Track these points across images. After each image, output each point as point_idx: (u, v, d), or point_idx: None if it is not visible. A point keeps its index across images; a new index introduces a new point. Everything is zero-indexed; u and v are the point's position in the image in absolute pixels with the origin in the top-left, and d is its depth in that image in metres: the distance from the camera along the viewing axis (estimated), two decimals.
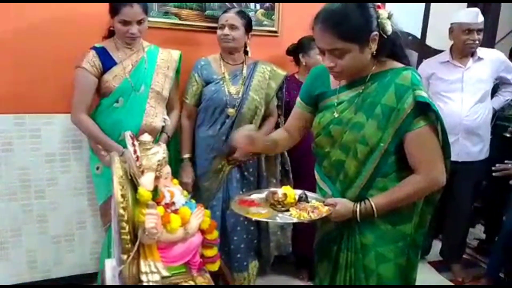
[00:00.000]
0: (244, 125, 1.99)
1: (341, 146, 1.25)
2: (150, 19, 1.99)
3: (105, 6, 1.77)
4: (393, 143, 1.19)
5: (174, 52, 1.99)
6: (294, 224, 2.23)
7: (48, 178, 2.10)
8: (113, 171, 1.00)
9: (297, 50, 2.29)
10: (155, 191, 1.02)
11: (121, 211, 0.94)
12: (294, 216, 1.20)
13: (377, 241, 1.26)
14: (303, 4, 2.40)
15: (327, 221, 1.28)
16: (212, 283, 1.10)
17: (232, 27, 1.93)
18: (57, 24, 1.98)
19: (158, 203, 1.02)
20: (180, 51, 2.01)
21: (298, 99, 1.42)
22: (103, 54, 1.80)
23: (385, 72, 1.21)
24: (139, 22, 1.77)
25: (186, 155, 2.04)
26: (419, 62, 3.00)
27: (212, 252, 1.12)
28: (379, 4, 1.18)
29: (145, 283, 0.98)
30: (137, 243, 0.96)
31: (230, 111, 1.97)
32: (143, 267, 0.99)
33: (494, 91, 2.58)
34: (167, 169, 1.10)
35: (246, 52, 2.10)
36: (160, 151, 1.07)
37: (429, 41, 3.16)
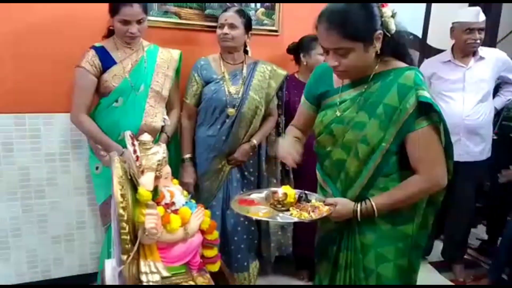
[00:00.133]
0: (244, 125, 2.00)
1: (343, 145, 1.25)
2: (150, 18, 1.99)
3: (105, 6, 1.77)
4: (395, 143, 1.18)
5: (174, 51, 1.99)
6: (294, 224, 2.25)
7: (48, 178, 2.10)
8: (113, 171, 1.00)
9: (298, 49, 2.28)
10: (155, 191, 1.01)
11: (121, 211, 0.93)
12: (294, 215, 1.20)
13: (377, 241, 1.25)
14: (303, 4, 2.40)
15: (327, 220, 1.27)
16: (213, 284, 1.09)
17: (232, 26, 1.92)
18: (57, 23, 1.98)
19: (158, 203, 1.01)
20: (180, 50, 2.01)
21: (303, 98, 1.43)
22: (102, 53, 1.80)
23: (388, 71, 1.21)
24: (139, 22, 1.77)
25: (187, 155, 2.04)
26: (420, 61, 2.99)
27: (212, 252, 1.12)
28: (383, 3, 1.17)
29: (145, 283, 0.97)
30: (137, 243, 0.95)
31: (230, 111, 1.96)
32: (143, 267, 0.98)
33: (496, 90, 2.57)
34: (167, 169, 1.09)
35: (246, 52, 2.10)
36: (160, 151, 1.06)
37: (430, 41, 3.16)
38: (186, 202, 1.08)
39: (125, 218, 0.94)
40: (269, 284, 2.36)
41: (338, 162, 1.27)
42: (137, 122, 1.84)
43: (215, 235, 1.12)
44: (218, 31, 1.96)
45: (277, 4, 2.39)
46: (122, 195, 0.95)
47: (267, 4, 2.38)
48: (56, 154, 2.10)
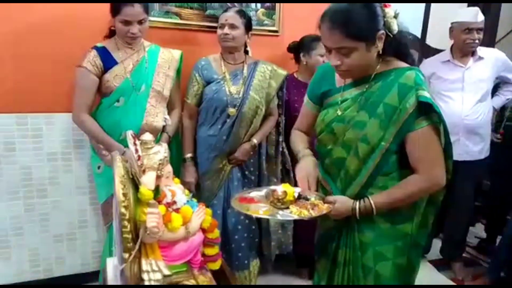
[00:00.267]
0: (245, 124, 2.01)
1: (343, 144, 1.26)
2: (151, 18, 2.00)
3: (106, 6, 1.77)
4: (395, 143, 1.19)
5: (175, 51, 2.00)
6: (295, 222, 2.26)
7: (50, 177, 2.11)
8: (115, 170, 1.00)
9: (298, 49, 2.29)
10: (157, 190, 1.02)
11: (123, 210, 0.94)
12: (294, 213, 1.20)
13: (376, 240, 1.26)
14: (303, 4, 2.41)
15: (327, 218, 1.28)
16: (214, 282, 1.10)
17: (232, 26, 1.93)
18: (58, 23, 1.98)
19: (159, 202, 1.02)
20: (181, 50, 2.01)
21: (306, 98, 1.43)
22: (104, 53, 1.81)
23: (389, 71, 1.21)
24: (140, 22, 1.77)
25: (188, 155, 2.05)
26: (419, 61, 2.99)
27: (213, 251, 1.12)
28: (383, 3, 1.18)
29: (146, 282, 0.98)
30: (139, 242, 0.96)
31: (231, 110, 1.97)
32: (145, 266, 0.99)
33: (494, 90, 2.58)
34: (169, 168, 1.10)
35: (246, 52, 2.11)
36: (161, 151, 1.07)
37: (429, 41, 3.16)
38: (188, 201, 1.09)
39: (127, 217, 0.94)
40: (269, 282, 2.36)
41: (338, 161, 1.28)
42: (138, 122, 1.85)
43: (216, 233, 1.12)
44: (219, 31, 1.97)
45: (277, 4, 2.39)
46: (124, 194, 0.95)
47: (268, 4, 2.38)
48: (58, 153, 2.11)
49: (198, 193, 2.05)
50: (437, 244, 2.73)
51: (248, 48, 2.12)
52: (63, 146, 2.12)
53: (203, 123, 2.03)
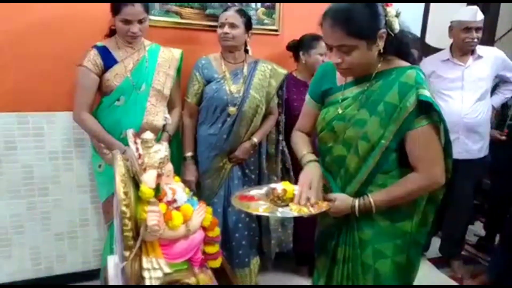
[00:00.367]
0: (245, 123, 2.02)
1: (343, 142, 1.26)
2: (151, 18, 2.00)
3: (106, 5, 1.78)
4: (395, 141, 1.19)
5: (175, 50, 2.00)
6: (295, 220, 2.27)
7: (51, 176, 2.12)
8: (115, 169, 1.01)
9: (298, 48, 2.29)
10: (157, 188, 1.02)
11: (124, 208, 0.94)
12: (294, 211, 1.20)
13: (375, 237, 1.26)
14: (303, 3, 2.41)
15: (326, 216, 1.29)
16: (214, 280, 1.10)
17: (232, 25, 1.94)
18: (59, 23, 1.99)
19: (160, 201, 1.02)
20: (181, 49, 2.02)
21: (308, 97, 1.43)
22: (104, 52, 1.81)
23: (390, 70, 1.22)
24: (140, 21, 1.78)
25: (189, 154, 2.05)
26: (419, 60, 2.99)
27: (213, 249, 1.13)
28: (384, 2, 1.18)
29: (147, 280, 0.98)
30: (139, 240, 0.96)
31: (231, 109, 1.98)
32: (145, 264, 0.99)
33: (493, 89, 2.58)
34: (169, 166, 1.10)
35: (246, 51, 2.11)
36: (162, 149, 1.07)
37: (429, 40, 3.16)
38: (188, 199, 1.09)
39: (128, 215, 0.95)
40: (269, 280, 2.37)
41: (339, 158, 1.29)
42: (139, 121, 1.86)
43: (216, 232, 1.13)
44: (219, 30, 1.97)
45: (277, 4, 2.39)
46: (125, 193, 0.96)
47: (268, 3, 2.38)
48: (59, 152, 2.12)
49: (199, 191, 2.06)
50: (436, 242, 2.74)
51: (248, 47, 2.12)
52: (64, 145, 2.12)
53: (203, 122, 2.04)
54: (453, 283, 2.48)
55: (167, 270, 1.01)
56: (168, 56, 1.96)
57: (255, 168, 2.15)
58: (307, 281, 2.37)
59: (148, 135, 1.07)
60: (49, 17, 1.97)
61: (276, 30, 2.43)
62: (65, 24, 2.00)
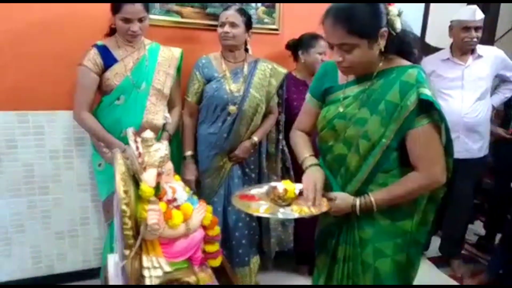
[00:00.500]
0: (245, 122, 2.02)
1: (344, 141, 1.26)
2: (152, 17, 2.00)
3: (107, 4, 1.78)
4: (395, 140, 1.19)
5: (175, 49, 2.00)
6: (295, 220, 2.26)
7: (52, 175, 2.12)
8: (115, 167, 1.01)
9: (297, 47, 2.29)
10: (157, 187, 1.02)
11: (124, 207, 0.94)
12: (295, 211, 1.20)
13: (375, 236, 1.26)
14: (304, 2, 2.40)
15: (327, 214, 1.28)
16: (214, 279, 1.10)
17: (233, 24, 1.94)
18: (59, 22, 1.99)
19: (160, 199, 1.02)
20: (181, 48, 2.02)
21: (308, 96, 1.43)
22: (104, 52, 1.81)
23: (391, 69, 1.22)
24: (140, 20, 1.78)
25: (189, 153, 2.05)
26: (419, 59, 2.98)
27: (213, 248, 1.13)
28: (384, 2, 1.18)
29: (147, 278, 0.98)
30: (139, 238, 0.97)
31: (232, 108, 1.98)
32: (146, 263, 0.99)
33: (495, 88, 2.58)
34: (169, 165, 1.10)
35: (246, 50, 2.11)
36: (162, 148, 1.07)
37: (429, 39, 3.16)
38: (188, 198, 1.09)
39: (128, 214, 0.95)
40: (269, 279, 2.37)
41: (339, 157, 1.29)
42: (139, 120, 1.86)
43: (216, 230, 1.13)
44: (219, 29, 1.97)
45: (277, 3, 2.39)
46: (125, 191, 0.95)
47: (268, 3, 2.38)
48: (60, 151, 2.12)
49: (199, 190, 2.06)
50: (436, 241, 2.74)
51: (248, 46, 2.12)
52: (65, 143, 2.13)
53: (203, 121, 2.04)
54: (453, 282, 2.48)
55: (167, 269, 1.01)
56: (168, 55, 1.96)
57: (255, 167, 2.15)
58: (307, 281, 2.37)
59: (148, 134, 1.07)
60: (49, 16, 1.97)
61: (276, 29, 2.43)
62: (65, 24, 2.00)
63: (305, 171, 1.32)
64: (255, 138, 2.06)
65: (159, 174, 1.04)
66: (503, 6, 3.43)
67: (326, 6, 1.19)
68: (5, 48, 1.94)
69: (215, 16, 2.18)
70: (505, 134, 2.62)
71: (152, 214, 0.96)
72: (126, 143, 1.73)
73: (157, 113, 1.91)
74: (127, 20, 1.76)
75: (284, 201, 1.25)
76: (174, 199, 1.06)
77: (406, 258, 1.29)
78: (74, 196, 2.19)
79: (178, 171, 1.97)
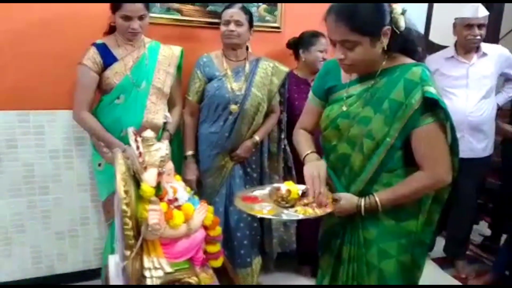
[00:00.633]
0: (247, 121, 2.00)
1: (348, 140, 1.25)
2: (152, 15, 1.99)
3: (107, 4, 1.76)
4: (400, 139, 1.18)
5: (176, 48, 1.99)
6: (298, 220, 2.25)
7: (52, 175, 2.12)
8: (116, 167, 1.00)
9: (298, 45, 2.28)
10: (158, 187, 1.02)
11: (124, 207, 0.94)
12: (299, 212, 1.19)
13: (380, 237, 1.25)
14: (305, 3, 2.39)
15: (331, 215, 1.27)
16: (215, 279, 1.10)
17: (238, 23, 1.92)
18: (59, 21, 1.98)
19: (161, 199, 1.02)
20: (181, 47, 2.00)
21: (311, 95, 1.42)
22: (103, 50, 1.80)
23: (395, 67, 1.21)
24: (141, 18, 1.76)
25: (190, 152, 2.04)
26: (423, 57, 2.96)
27: (215, 248, 1.12)
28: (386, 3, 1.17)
29: (148, 279, 0.98)
30: (140, 239, 0.96)
31: (233, 107, 1.96)
32: (147, 263, 0.99)
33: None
34: (170, 165, 1.09)
35: (246, 48, 2.09)
36: (163, 147, 1.06)
37: (432, 37, 3.14)
38: (189, 198, 1.09)
39: (128, 214, 0.94)
40: (271, 280, 2.36)
41: (343, 157, 1.28)
42: (139, 119, 1.84)
43: (218, 231, 1.12)
44: (223, 27, 1.95)
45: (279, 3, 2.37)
46: (125, 191, 0.95)
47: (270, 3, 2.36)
48: (60, 151, 2.11)
49: (200, 190, 2.04)
50: (440, 242, 2.72)
51: (248, 44, 2.10)
52: (65, 143, 2.12)
53: (204, 120, 2.03)
54: (457, 283, 2.46)
55: (168, 269, 1.00)
56: (168, 54, 1.95)
57: (257, 166, 2.13)
58: (309, 282, 2.36)
59: (149, 133, 1.07)
60: (49, 16, 1.97)
61: (278, 28, 2.41)
62: (65, 23, 1.99)
63: (305, 164, 1.31)
64: (257, 138, 2.05)
65: (159, 174, 1.03)
66: (507, 4, 3.41)
67: (328, 4, 1.18)
68: (5, 48, 1.93)
69: (216, 14, 2.17)
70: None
71: (153, 214, 0.96)
72: (126, 142, 1.73)
73: (158, 112, 1.90)
74: (127, 18, 1.74)
75: (288, 202, 1.24)
76: (175, 199, 1.05)
77: (411, 259, 1.28)
78: (74, 196, 2.18)
79: (179, 171, 1.95)
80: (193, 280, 1.03)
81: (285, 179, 2.19)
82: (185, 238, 1.03)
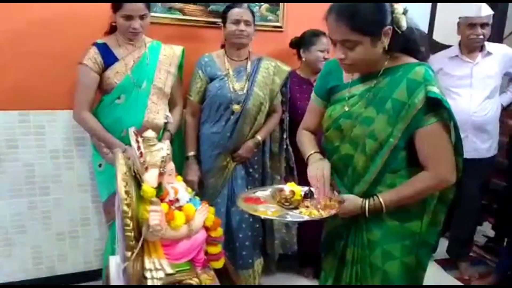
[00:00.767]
0: (249, 121, 1.99)
1: (350, 141, 1.24)
2: (154, 14, 1.98)
3: (108, 4, 1.76)
4: (403, 139, 1.17)
5: (177, 48, 1.98)
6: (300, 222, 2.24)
7: (53, 175, 2.11)
8: (117, 167, 0.99)
9: (299, 45, 2.27)
10: (159, 187, 1.01)
11: (125, 208, 0.93)
12: (304, 214, 1.19)
13: (383, 238, 1.24)
14: (307, 3, 2.38)
15: (334, 216, 1.26)
16: (217, 280, 1.09)
17: (247, 23, 1.93)
18: (59, 21, 1.98)
19: (162, 200, 1.01)
20: (182, 46, 1.99)
21: (313, 95, 1.41)
22: (104, 50, 1.79)
23: (398, 67, 1.20)
24: (142, 17, 1.76)
25: (191, 153, 2.03)
26: (426, 57, 2.95)
27: (216, 249, 1.12)
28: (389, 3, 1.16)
29: (149, 280, 0.97)
30: (141, 240, 0.95)
31: (236, 107, 1.95)
32: (147, 264, 0.98)
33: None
34: (171, 165, 1.09)
35: None
36: (164, 148, 1.06)
37: (436, 36, 3.13)
38: (190, 199, 1.08)
39: (129, 215, 0.93)
40: (274, 281, 2.35)
41: (346, 157, 1.27)
42: (140, 119, 1.83)
43: (219, 232, 1.12)
44: (232, 27, 1.93)
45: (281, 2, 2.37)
46: (126, 192, 0.94)
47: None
48: (60, 151, 2.11)
49: (202, 191, 2.03)
50: (443, 243, 2.71)
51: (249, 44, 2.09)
52: (65, 143, 2.11)
53: (206, 120, 2.02)
54: (461, 285, 2.45)
55: (169, 270, 0.99)
56: (169, 53, 1.94)
57: (259, 167, 2.13)
58: (311, 283, 2.35)
59: (150, 133, 1.06)
60: (49, 16, 1.96)
61: (280, 27, 2.41)
62: (65, 23, 1.98)
63: (309, 164, 1.31)
64: (259, 137, 2.04)
65: (161, 174, 1.02)
66: (511, 4, 3.39)
67: (330, 3, 1.17)
68: (5, 48, 1.93)
69: (218, 14, 2.16)
70: None
71: (154, 215, 0.95)
72: (127, 143, 1.72)
73: (158, 112, 1.89)
74: (128, 18, 1.74)
75: (291, 203, 1.23)
76: (177, 200, 1.05)
77: (415, 260, 1.27)
78: (75, 196, 2.17)
79: (180, 172, 1.94)
80: (194, 281, 1.03)
81: (286, 179, 2.18)
82: (186, 239, 1.03)
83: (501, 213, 2.90)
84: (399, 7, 1.15)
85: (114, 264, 1.20)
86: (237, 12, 1.93)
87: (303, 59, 2.25)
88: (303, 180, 1.52)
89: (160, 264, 0.98)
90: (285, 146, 2.20)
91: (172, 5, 2.16)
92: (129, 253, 0.94)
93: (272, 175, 2.18)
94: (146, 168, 1.01)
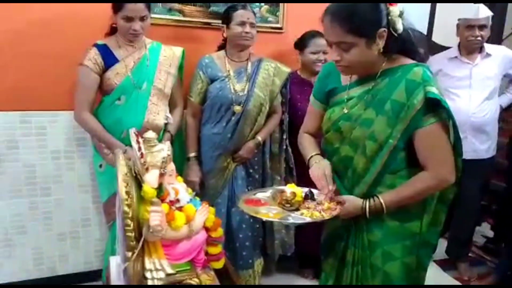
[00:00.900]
0: (249, 122, 2.00)
1: (350, 142, 1.25)
2: (154, 15, 1.98)
3: (108, 4, 1.76)
4: (403, 140, 1.17)
5: (177, 49, 1.98)
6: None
7: (53, 176, 2.11)
8: (118, 168, 0.99)
9: (298, 46, 2.27)
10: (160, 188, 1.01)
11: (126, 208, 0.93)
12: (306, 215, 1.19)
13: (384, 239, 1.24)
14: (307, 3, 2.38)
15: (335, 217, 1.27)
16: (217, 281, 1.09)
17: (252, 25, 1.94)
18: (59, 21, 1.98)
19: (162, 201, 1.01)
20: (182, 47, 2.00)
21: (312, 98, 1.41)
22: (104, 51, 1.80)
23: (396, 68, 1.20)
24: (142, 19, 1.76)
25: (192, 154, 2.03)
26: (425, 58, 2.95)
27: (216, 250, 1.12)
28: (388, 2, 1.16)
29: (149, 280, 0.97)
30: (142, 240, 0.95)
31: (237, 108, 1.96)
32: (148, 264, 0.98)
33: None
34: (172, 166, 1.09)
35: None
36: (164, 148, 1.06)
37: (435, 37, 3.13)
38: (191, 200, 1.08)
39: (130, 215, 0.94)
40: (273, 282, 2.35)
41: (346, 159, 1.27)
42: (140, 120, 1.84)
43: (219, 232, 1.12)
44: (238, 28, 1.93)
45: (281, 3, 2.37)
46: (127, 192, 0.95)
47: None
48: (61, 151, 2.11)
49: (202, 191, 2.04)
50: (442, 243, 2.71)
51: None
52: (66, 144, 2.11)
53: (207, 121, 2.02)
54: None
55: (170, 271, 1.00)
56: (169, 54, 1.94)
57: (259, 167, 2.13)
58: (311, 283, 2.35)
59: (151, 134, 1.06)
60: (49, 16, 1.96)
61: (280, 28, 2.41)
62: (65, 23, 1.99)
63: (310, 166, 1.32)
64: (259, 138, 2.04)
65: (161, 175, 1.03)
66: (510, 5, 3.39)
67: (330, 4, 1.17)
68: (5, 48, 1.93)
69: (218, 15, 2.17)
70: None
71: (154, 216, 0.95)
72: (127, 143, 1.72)
73: (159, 113, 1.90)
74: (128, 19, 1.74)
75: (292, 205, 1.23)
76: (177, 200, 1.05)
77: (416, 260, 1.27)
78: (76, 197, 2.17)
79: (181, 172, 1.95)
80: (194, 282, 1.03)
81: (286, 179, 2.19)
82: (187, 240, 1.03)
83: (501, 213, 2.91)
84: (395, 9, 1.15)
85: (115, 265, 1.21)
86: (242, 13, 1.93)
87: (300, 60, 2.25)
88: (302, 181, 1.53)
89: (161, 264, 0.99)
90: (284, 147, 2.20)
91: (172, 6, 2.16)
92: (129, 254, 0.94)
93: (272, 176, 2.19)
94: (147, 169, 1.01)
